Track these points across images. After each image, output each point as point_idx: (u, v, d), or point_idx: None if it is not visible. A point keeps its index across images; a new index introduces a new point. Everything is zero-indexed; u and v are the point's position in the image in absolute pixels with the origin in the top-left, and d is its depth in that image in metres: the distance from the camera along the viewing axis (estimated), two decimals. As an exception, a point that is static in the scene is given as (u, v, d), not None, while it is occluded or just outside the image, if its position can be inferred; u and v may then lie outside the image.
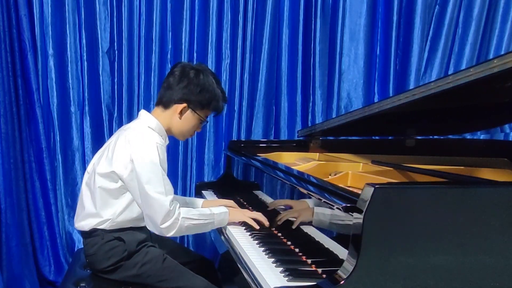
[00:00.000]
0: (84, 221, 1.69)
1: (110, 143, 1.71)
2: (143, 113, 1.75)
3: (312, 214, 1.44)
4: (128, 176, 1.59)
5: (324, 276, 1.24)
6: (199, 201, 2.00)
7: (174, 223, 1.58)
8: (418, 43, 2.78)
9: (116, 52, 2.68)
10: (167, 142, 1.76)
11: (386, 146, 2.37)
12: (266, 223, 1.69)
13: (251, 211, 1.92)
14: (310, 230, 1.49)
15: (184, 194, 2.81)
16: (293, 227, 1.55)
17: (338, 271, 1.09)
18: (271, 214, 1.77)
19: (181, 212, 1.60)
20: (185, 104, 1.69)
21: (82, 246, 1.80)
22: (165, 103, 1.71)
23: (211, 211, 1.70)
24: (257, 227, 1.67)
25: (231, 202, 1.89)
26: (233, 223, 1.76)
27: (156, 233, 1.63)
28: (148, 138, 1.62)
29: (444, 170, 1.64)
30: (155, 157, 1.58)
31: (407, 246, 1.08)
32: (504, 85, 1.44)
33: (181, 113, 1.70)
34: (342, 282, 1.05)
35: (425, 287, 1.09)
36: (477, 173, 1.76)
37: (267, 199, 1.92)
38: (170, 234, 1.60)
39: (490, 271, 1.11)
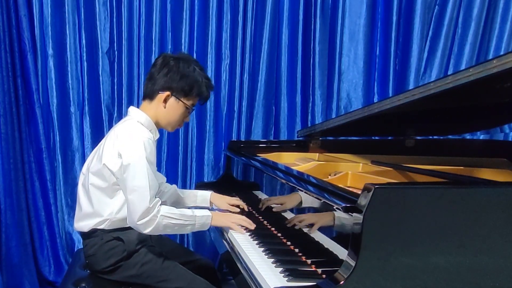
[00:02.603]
0: (82, 222, 1.69)
1: (101, 143, 1.72)
2: (132, 109, 1.75)
3: (334, 219, 1.35)
4: (118, 171, 1.59)
5: (324, 276, 1.25)
6: (207, 193, 2.02)
7: (151, 220, 1.56)
8: (417, 43, 2.78)
9: (116, 52, 2.68)
10: (158, 135, 1.76)
11: (385, 146, 2.37)
12: (251, 226, 1.68)
13: (251, 211, 1.93)
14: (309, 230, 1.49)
15: (184, 194, 2.81)
16: (311, 233, 1.48)
17: (338, 271, 1.09)
18: (271, 213, 1.77)
19: (161, 209, 1.59)
20: (168, 92, 1.68)
21: (82, 247, 1.80)
22: (149, 95, 1.72)
23: (193, 213, 1.68)
24: (243, 232, 1.67)
25: (236, 200, 1.90)
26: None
27: (134, 228, 1.61)
28: (135, 133, 1.61)
29: (443, 170, 1.65)
30: (141, 151, 1.57)
31: (407, 246, 1.08)
32: (503, 85, 1.44)
33: (165, 101, 1.70)
34: (342, 282, 1.05)
35: (425, 287, 1.09)
36: (477, 173, 1.76)
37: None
38: (146, 231, 1.58)
39: (490, 271, 1.12)
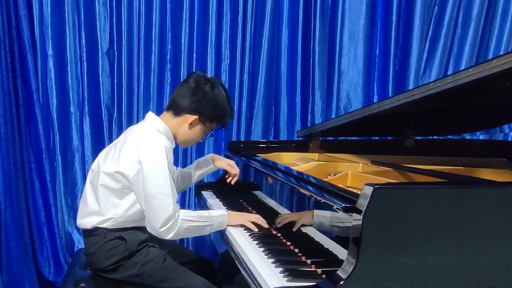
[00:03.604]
0: (86, 219, 1.70)
1: (117, 142, 1.72)
2: (150, 115, 1.76)
3: (312, 217, 1.44)
4: (134, 177, 1.59)
5: (323, 276, 1.25)
6: (207, 156, 2.11)
7: (173, 225, 1.58)
8: (417, 43, 2.79)
9: (116, 52, 2.68)
10: (174, 145, 1.77)
11: (385, 146, 2.38)
12: (265, 225, 1.70)
13: (251, 211, 1.93)
14: (309, 230, 1.49)
15: (183, 195, 2.81)
16: (294, 230, 1.55)
17: (338, 272, 1.09)
18: (271, 213, 1.77)
19: (181, 213, 1.60)
20: (197, 116, 1.71)
21: (82, 247, 1.79)
22: (176, 110, 1.72)
23: (210, 214, 1.69)
24: (256, 230, 1.68)
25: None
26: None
27: (155, 235, 1.62)
28: (156, 141, 1.63)
29: (443, 170, 1.65)
30: (163, 159, 1.58)
31: (407, 247, 1.08)
32: (503, 85, 1.44)
33: (192, 124, 1.72)
34: (341, 283, 1.05)
35: (425, 287, 1.09)
36: (477, 173, 1.76)
37: (267, 200, 1.92)
38: (169, 237, 1.59)
39: (489, 271, 1.12)
